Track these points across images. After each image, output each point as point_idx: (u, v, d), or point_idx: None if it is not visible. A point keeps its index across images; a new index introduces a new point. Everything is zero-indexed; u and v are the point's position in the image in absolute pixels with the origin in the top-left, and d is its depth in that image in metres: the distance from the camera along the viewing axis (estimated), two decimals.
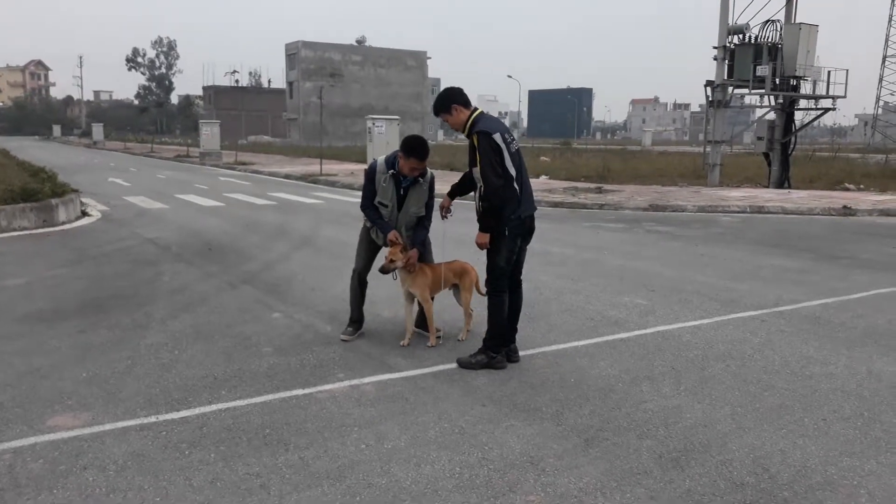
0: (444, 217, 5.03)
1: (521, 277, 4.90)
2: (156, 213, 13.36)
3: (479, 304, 5.24)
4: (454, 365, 4.71)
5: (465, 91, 4.69)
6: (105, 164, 31.10)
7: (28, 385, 4.32)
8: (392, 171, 5.01)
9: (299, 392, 4.25)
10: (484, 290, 4.90)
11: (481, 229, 4.59)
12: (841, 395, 4.30)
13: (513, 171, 4.49)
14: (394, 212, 5.11)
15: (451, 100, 4.64)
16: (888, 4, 69.10)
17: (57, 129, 78.49)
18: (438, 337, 5.23)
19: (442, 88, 5.19)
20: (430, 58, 77.42)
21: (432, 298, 5.17)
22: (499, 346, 4.70)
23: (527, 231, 4.70)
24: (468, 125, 4.56)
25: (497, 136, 4.44)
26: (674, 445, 3.58)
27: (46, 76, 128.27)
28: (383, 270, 5.00)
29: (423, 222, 5.20)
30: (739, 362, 4.88)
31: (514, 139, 4.60)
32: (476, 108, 4.65)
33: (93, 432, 3.67)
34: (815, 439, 3.67)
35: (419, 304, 5.25)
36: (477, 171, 4.51)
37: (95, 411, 3.93)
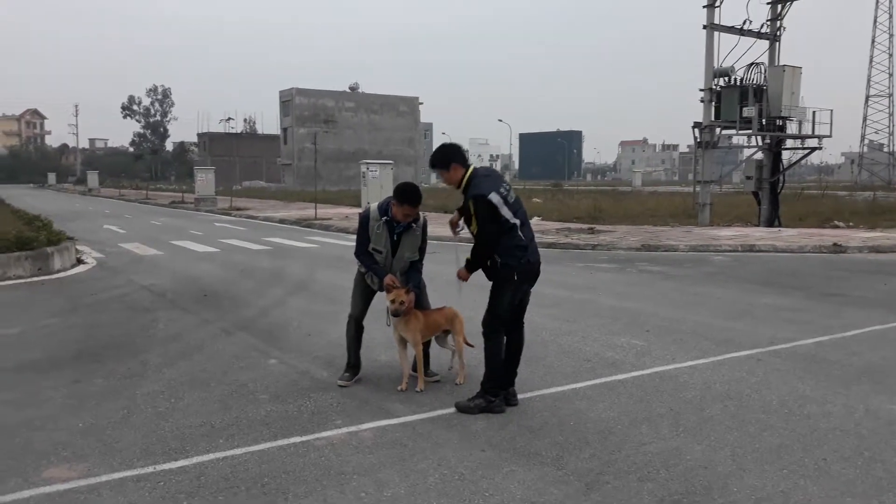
0: (455, 233, 4.97)
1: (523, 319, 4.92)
2: (151, 260, 13.37)
3: (477, 348, 5.25)
4: (452, 409, 4.70)
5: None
6: (100, 212, 31.19)
7: (23, 437, 4.28)
8: (385, 217, 5.07)
9: (297, 439, 4.22)
10: (471, 341, 4.90)
11: (468, 268, 4.69)
12: (840, 434, 4.30)
13: (515, 220, 4.53)
14: (388, 257, 5.16)
15: (450, 157, 4.64)
16: (869, 46, 70.95)
17: (52, 177, 78.95)
18: (437, 381, 5.22)
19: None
20: (422, 103, 78.69)
21: (424, 343, 5.18)
22: (497, 388, 4.70)
23: (534, 276, 4.75)
24: (464, 184, 4.61)
25: (493, 196, 4.46)
26: (675, 488, 3.56)
27: (42, 125, 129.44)
28: (396, 314, 4.99)
29: (416, 266, 5.24)
30: (737, 402, 4.88)
31: (509, 189, 4.64)
32: (470, 165, 4.69)
33: (89, 484, 3.63)
34: (816, 480, 3.66)
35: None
36: (473, 228, 4.58)
37: (91, 462, 3.89)
